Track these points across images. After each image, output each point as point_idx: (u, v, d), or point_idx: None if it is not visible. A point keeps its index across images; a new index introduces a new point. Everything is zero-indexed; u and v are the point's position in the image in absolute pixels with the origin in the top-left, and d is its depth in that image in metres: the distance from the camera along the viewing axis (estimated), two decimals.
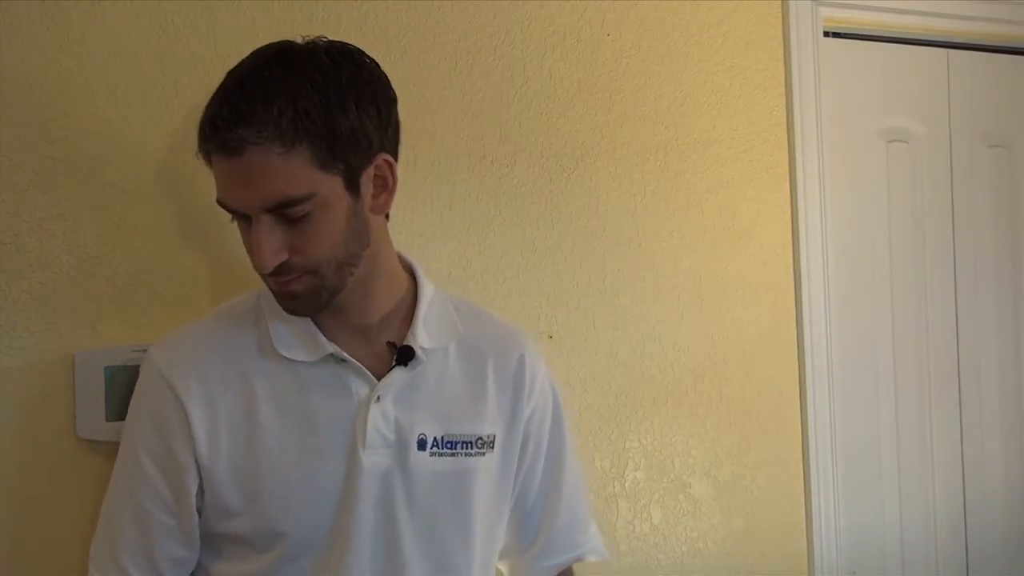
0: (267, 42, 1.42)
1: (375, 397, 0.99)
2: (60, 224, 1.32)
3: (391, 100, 1.01)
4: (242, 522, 0.98)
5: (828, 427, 1.95)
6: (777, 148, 1.92)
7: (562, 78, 1.72)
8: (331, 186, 0.93)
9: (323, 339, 1.00)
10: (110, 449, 1.14)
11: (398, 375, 1.01)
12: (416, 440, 1.01)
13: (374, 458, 0.98)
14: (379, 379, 1.01)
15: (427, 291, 1.09)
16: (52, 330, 1.29)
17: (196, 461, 0.98)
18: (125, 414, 1.10)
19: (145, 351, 1.09)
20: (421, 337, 1.04)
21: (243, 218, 0.96)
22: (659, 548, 1.79)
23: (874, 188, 2.12)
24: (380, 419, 0.99)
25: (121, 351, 1.28)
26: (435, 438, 1.02)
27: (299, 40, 0.98)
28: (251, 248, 0.94)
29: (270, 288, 1.00)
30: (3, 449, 1.26)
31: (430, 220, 1.61)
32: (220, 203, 0.96)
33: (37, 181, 1.31)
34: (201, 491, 1.00)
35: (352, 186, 0.95)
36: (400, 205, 1.58)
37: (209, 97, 0.95)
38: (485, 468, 1.06)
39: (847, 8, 2.02)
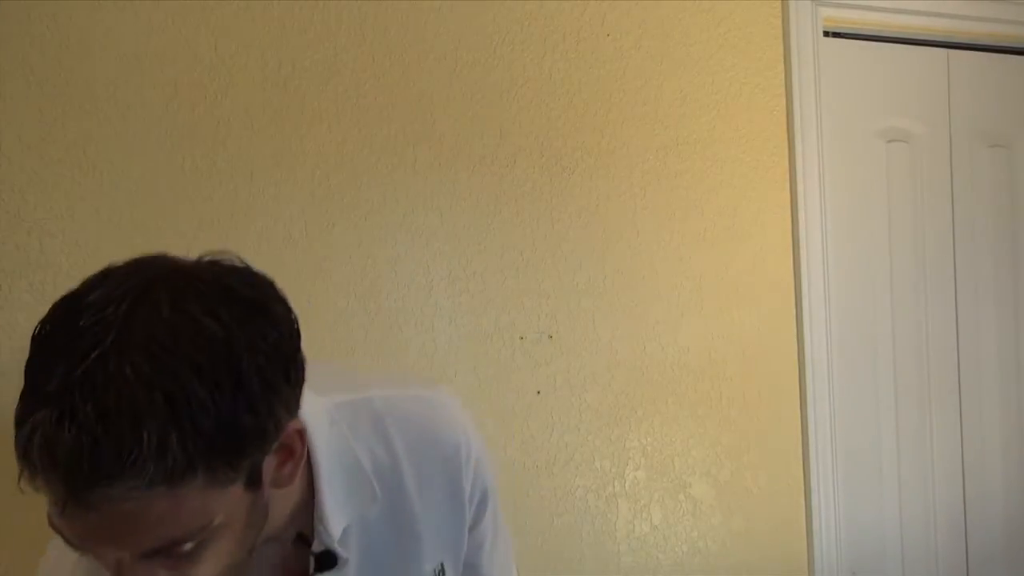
0: (267, 43, 1.40)
1: None
2: (60, 224, 1.32)
3: (298, 345, 0.72)
4: None
5: (828, 427, 1.95)
6: (777, 148, 1.92)
7: (562, 78, 1.72)
8: (230, 500, 0.67)
9: None
10: None
11: None
12: None
13: None
14: None
15: (323, 462, 0.82)
16: None
17: None
18: None
19: None
20: (333, 524, 0.81)
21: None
22: (659, 548, 1.79)
23: (874, 188, 2.11)
24: None
25: None
26: None
27: (150, 267, 0.67)
28: None
29: None
30: (4, 448, 1.26)
31: (430, 220, 1.61)
32: (59, 532, 0.65)
33: (37, 181, 1.31)
34: None
35: (254, 482, 0.69)
36: (400, 205, 1.59)
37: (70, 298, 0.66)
38: None
39: (847, 8, 2.02)
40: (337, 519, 0.82)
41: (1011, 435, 2.27)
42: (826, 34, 2.01)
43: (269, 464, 0.71)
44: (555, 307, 1.70)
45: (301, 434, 0.74)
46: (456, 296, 1.63)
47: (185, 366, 0.61)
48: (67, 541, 0.65)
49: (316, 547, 0.82)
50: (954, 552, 2.20)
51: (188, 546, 0.65)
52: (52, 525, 0.64)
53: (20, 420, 0.62)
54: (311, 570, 0.82)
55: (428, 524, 0.91)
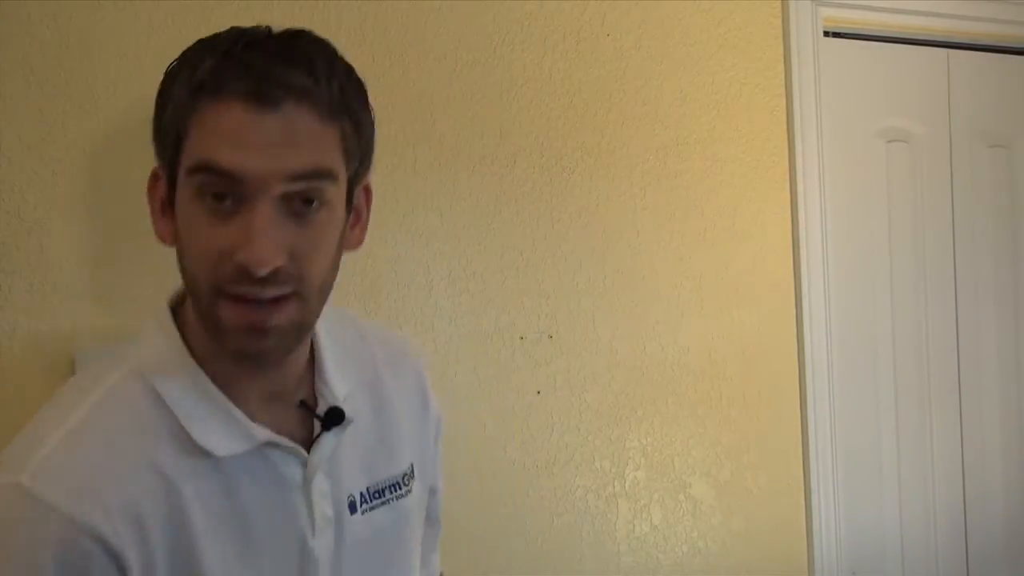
0: None
1: (312, 477, 0.82)
2: (60, 224, 1.32)
3: None
4: None
5: (828, 427, 1.95)
6: (777, 148, 1.92)
7: (562, 78, 1.72)
8: (340, 184, 0.78)
9: (251, 424, 0.79)
10: None
11: (327, 443, 0.84)
12: (347, 504, 0.86)
13: (322, 542, 0.83)
14: (306, 449, 0.83)
15: (322, 335, 0.88)
16: (52, 330, 1.30)
17: None
18: None
19: None
20: (337, 387, 0.86)
21: (230, 199, 0.72)
22: (659, 548, 1.79)
23: (874, 188, 2.11)
24: (321, 499, 0.84)
25: None
26: (362, 493, 0.88)
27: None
28: (242, 239, 0.71)
29: (220, 324, 0.74)
30: None
31: (430, 220, 1.61)
32: (210, 167, 0.71)
33: (37, 181, 1.31)
34: None
35: (349, 198, 0.80)
36: (400, 205, 1.59)
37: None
38: (413, 501, 0.95)
39: (847, 8, 2.02)
40: (339, 380, 0.88)
41: (1011, 435, 2.27)
42: (826, 34, 2.01)
43: (350, 206, 0.82)
44: (555, 307, 1.70)
45: (368, 196, 0.87)
46: (456, 296, 1.63)
47: (334, 59, 0.78)
48: (224, 168, 0.71)
49: (321, 408, 0.85)
50: (954, 552, 2.20)
51: (321, 190, 0.75)
52: (208, 164, 0.72)
53: (196, 62, 0.75)
54: (315, 433, 0.85)
55: (404, 421, 0.96)
